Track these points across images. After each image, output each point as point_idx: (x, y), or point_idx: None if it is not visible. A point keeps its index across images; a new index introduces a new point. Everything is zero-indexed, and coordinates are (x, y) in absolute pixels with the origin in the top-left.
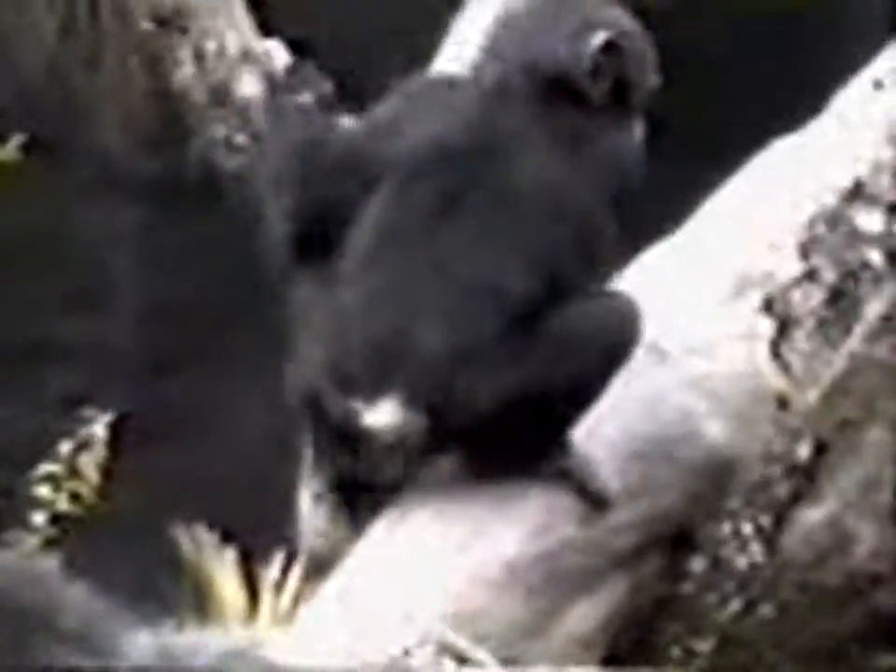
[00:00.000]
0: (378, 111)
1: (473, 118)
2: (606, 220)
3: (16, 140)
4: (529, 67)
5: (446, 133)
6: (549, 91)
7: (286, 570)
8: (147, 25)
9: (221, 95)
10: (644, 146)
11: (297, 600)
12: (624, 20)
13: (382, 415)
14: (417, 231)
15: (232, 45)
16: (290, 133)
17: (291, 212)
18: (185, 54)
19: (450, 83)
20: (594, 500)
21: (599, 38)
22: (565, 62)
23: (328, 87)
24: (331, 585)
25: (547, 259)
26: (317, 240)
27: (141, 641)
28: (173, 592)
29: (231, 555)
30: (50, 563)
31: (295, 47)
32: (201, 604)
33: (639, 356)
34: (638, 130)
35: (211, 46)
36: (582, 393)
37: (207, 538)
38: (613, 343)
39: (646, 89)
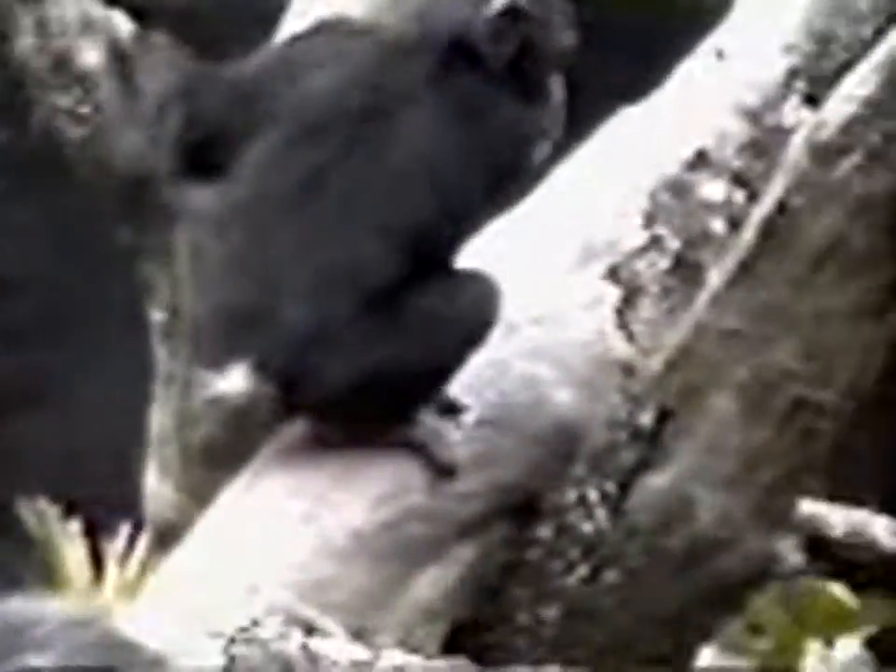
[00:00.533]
0: (271, 51)
1: (367, 75)
2: (480, 195)
3: None
4: (429, 27)
5: (337, 89)
6: (448, 53)
7: (131, 542)
8: None
9: (63, 65)
10: (560, 111)
11: (143, 572)
12: None
13: (231, 382)
14: (291, 194)
15: (72, 14)
16: (170, 74)
17: (180, 129)
18: (26, 23)
19: (348, 32)
20: (440, 469)
21: (500, 1)
22: (465, 24)
23: (177, 55)
24: (177, 555)
25: (412, 235)
26: (203, 162)
27: None
28: (19, 565)
29: (75, 527)
30: None
31: (137, 15)
32: (47, 577)
33: None
34: (554, 96)
35: (52, 14)
36: (437, 372)
37: (51, 510)
38: (470, 324)
39: (558, 54)
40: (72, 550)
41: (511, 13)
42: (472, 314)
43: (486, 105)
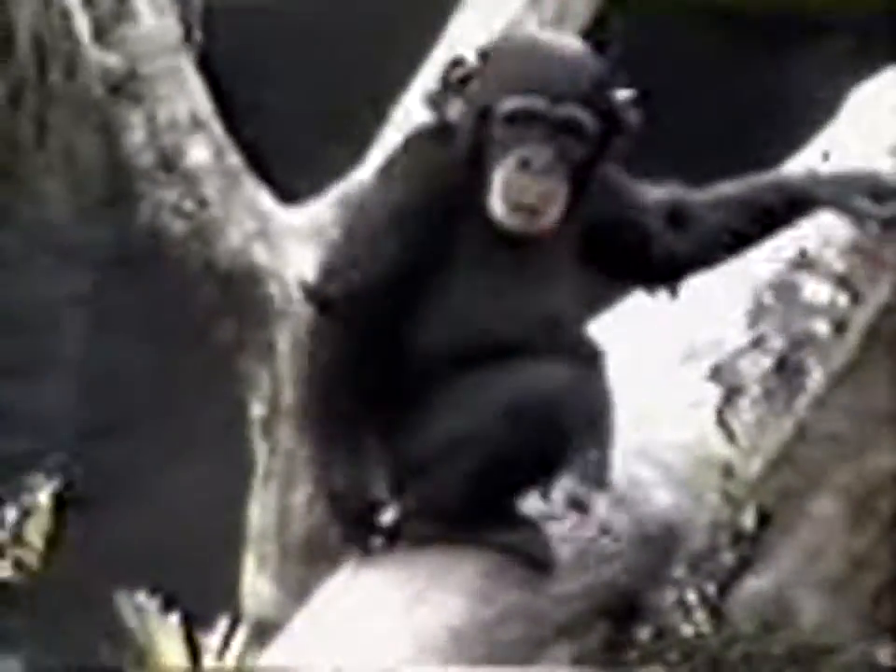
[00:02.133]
0: None
1: None
2: None
3: None
4: None
5: None
6: None
7: (228, 636)
8: (98, 90)
9: (170, 161)
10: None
11: (239, 666)
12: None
13: None
14: None
15: (183, 111)
16: None
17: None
18: (136, 120)
19: None
20: (537, 565)
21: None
22: None
23: None
24: (273, 650)
25: None
26: None
27: None
28: (117, 659)
29: (174, 621)
30: None
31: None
32: (145, 670)
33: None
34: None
35: (163, 113)
36: (530, 466)
37: (150, 603)
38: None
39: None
40: (170, 643)
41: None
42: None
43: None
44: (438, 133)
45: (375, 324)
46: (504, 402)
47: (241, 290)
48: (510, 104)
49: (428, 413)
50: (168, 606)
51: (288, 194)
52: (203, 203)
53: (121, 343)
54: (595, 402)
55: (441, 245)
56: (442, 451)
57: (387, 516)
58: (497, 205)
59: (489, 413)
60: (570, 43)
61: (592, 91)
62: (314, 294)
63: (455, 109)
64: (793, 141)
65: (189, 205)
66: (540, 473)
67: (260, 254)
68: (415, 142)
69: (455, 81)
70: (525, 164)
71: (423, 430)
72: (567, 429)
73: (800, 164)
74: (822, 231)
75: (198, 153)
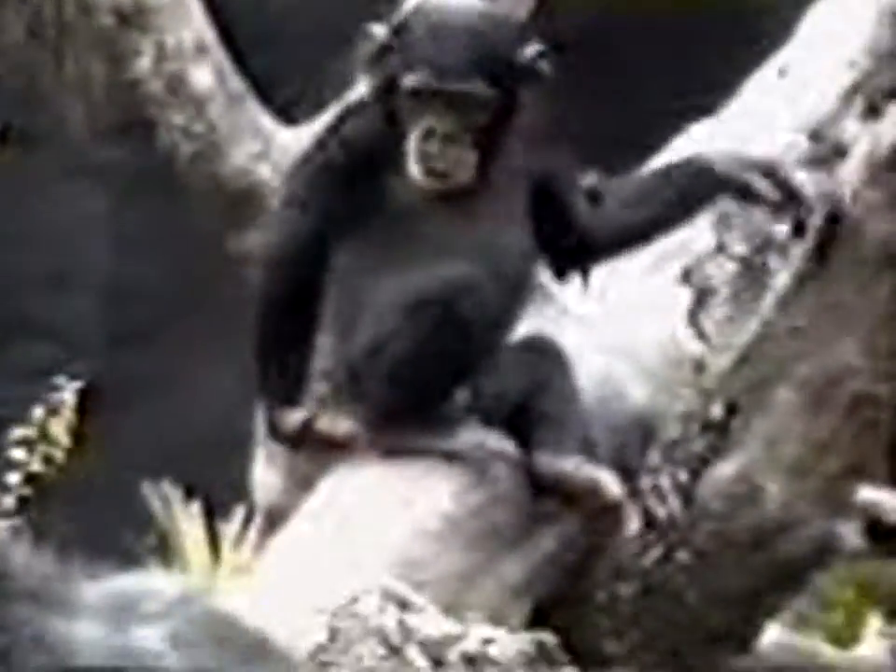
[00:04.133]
0: None
1: None
2: None
3: None
4: None
5: None
6: None
7: (246, 524)
8: (108, 21)
9: (177, 86)
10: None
11: (255, 553)
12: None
13: None
14: None
15: (188, 39)
16: None
17: None
18: (145, 47)
19: None
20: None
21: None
22: None
23: None
24: (284, 537)
25: None
26: None
27: (96, 589)
28: (139, 546)
29: (196, 509)
30: None
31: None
32: (166, 557)
33: (568, 323)
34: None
35: (170, 40)
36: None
37: (174, 493)
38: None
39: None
40: (192, 531)
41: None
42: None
43: None
44: (365, 105)
45: (302, 273)
46: (403, 301)
47: (247, 207)
48: (408, 81)
49: (360, 319)
50: (190, 495)
51: (291, 117)
52: (210, 125)
53: (141, 257)
54: (501, 308)
55: (373, 199)
56: (364, 357)
57: (294, 419)
58: (414, 170)
59: (395, 314)
60: (472, 11)
61: (486, 60)
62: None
63: (371, 84)
64: (752, 58)
65: (198, 128)
66: (455, 373)
67: (264, 172)
68: (346, 111)
69: (371, 56)
70: (429, 134)
71: (355, 338)
72: (466, 323)
73: (757, 82)
74: (781, 144)
75: (202, 77)
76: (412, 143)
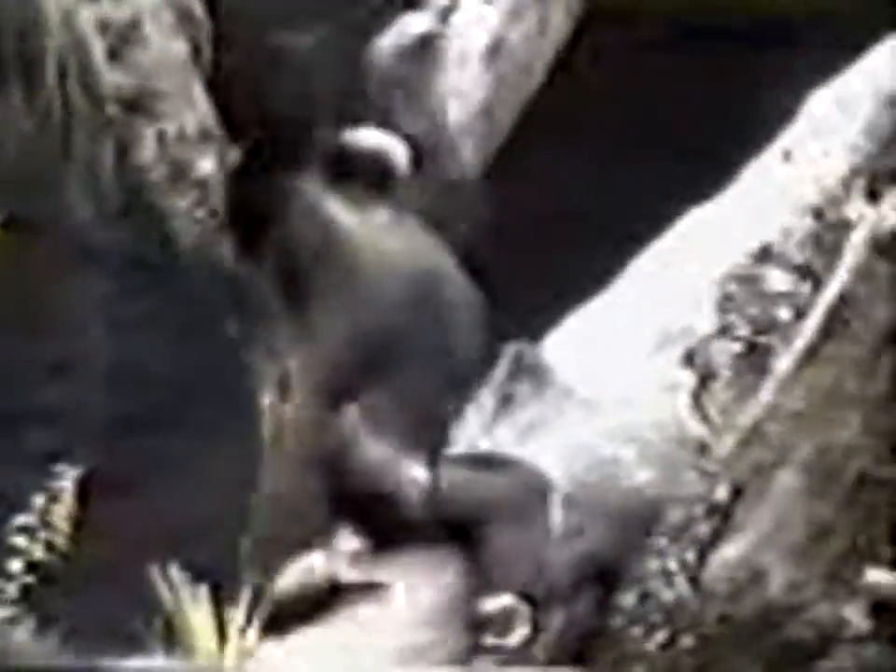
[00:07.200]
0: None
1: None
2: None
3: None
4: None
5: None
6: None
7: (251, 609)
8: (114, 109)
9: (180, 172)
10: None
11: (261, 639)
12: None
13: None
14: None
15: (191, 125)
16: None
17: None
18: (147, 135)
19: None
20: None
21: None
22: None
23: None
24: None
25: None
26: None
27: None
28: (145, 631)
29: (202, 593)
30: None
31: None
32: (171, 642)
33: (571, 407)
34: None
35: (171, 127)
36: None
37: (180, 577)
38: None
39: None
40: (198, 615)
41: None
42: None
43: None
44: None
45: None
46: None
47: (245, 289)
48: None
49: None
50: (198, 579)
51: None
52: (212, 211)
53: (143, 342)
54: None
55: None
56: None
57: None
58: None
59: None
60: None
61: None
62: None
63: None
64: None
65: (200, 213)
66: None
67: None
68: None
69: None
70: None
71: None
72: None
73: (762, 164)
74: (783, 226)
75: (205, 164)
76: None
